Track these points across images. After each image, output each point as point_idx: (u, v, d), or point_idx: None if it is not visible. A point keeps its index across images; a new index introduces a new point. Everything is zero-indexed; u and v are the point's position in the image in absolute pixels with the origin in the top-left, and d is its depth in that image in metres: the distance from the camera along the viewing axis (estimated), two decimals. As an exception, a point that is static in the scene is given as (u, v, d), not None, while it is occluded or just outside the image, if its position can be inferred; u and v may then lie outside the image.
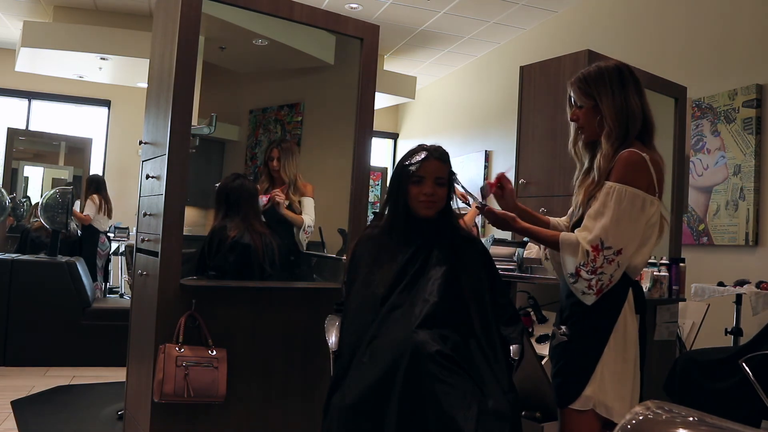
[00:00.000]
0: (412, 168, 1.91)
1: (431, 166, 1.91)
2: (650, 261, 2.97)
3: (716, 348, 3.04)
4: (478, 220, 6.65)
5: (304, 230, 2.96)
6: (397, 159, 2.00)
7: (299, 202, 2.98)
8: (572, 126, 1.90)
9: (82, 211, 6.01)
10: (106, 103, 8.01)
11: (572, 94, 1.87)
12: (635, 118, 1.79)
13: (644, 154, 1.75)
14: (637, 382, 1.80)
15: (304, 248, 2.98)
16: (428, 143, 1.99)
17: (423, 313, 1.75)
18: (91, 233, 5.99)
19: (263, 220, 2.80)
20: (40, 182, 7.66)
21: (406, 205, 1.94)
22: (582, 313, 1.79)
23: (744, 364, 2.39)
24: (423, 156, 1.92)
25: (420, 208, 1.93)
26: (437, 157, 1.93)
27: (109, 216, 6.18)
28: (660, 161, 1.80)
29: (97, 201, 6.03)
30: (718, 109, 4.20)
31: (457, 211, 2.06)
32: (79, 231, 5.89)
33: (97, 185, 6.15)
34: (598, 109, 1.81)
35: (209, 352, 2.24)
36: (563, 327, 1.83)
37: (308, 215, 2.98)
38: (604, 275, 1.72)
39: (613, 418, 1.71)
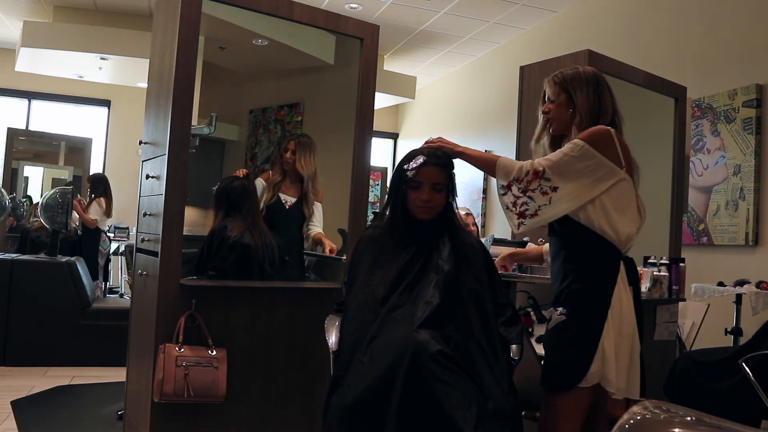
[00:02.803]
0: (410, 174, 1.90)
1: (429, 172, 1.90)
2: (650, 261, 2.97)
3: (716, 348, 3.04)
4: (478, 221, 6.66)
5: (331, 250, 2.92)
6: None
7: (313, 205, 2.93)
8: (540, 121, 2.01)
9: (85, 211, 5.99)
10: (106, 103, 8.02)
11: (547, 90, 1.99)
12: (606, 113, 1.92)
13: (611, 129, 1.87)
14: (636, 354, 1.86)
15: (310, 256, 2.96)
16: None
17: (424, 314, 1.75)
18: (92, 232, 5.97)
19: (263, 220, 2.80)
20: (40, 182, 7.66)
21: (405, 209, 1.94)
22: (579, 290, 1.84)
23: (744, 364, 2.39)
24: (420, 162, 1.91)
25: (417, 213, 1.93)
26: (434, 162, 1.91)
27: (110, 216, 6.18)
28: (627, 145, 1.90)
29: (104, 204, 6.00)
30: (718, 109, 4.21)
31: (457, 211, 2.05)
32: (79, 230, 5.88)
33: (105, 186, 6.13)
34: (571, 103, 1.93)
35: (209, 352, 2.24)
36: (560, 308, 1.87)
37: (318, 226, 2.93)
38: (531, 202, 1.83)
39: (613, 390, 1.78)
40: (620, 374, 1.81)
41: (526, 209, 1.83)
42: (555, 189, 1.81)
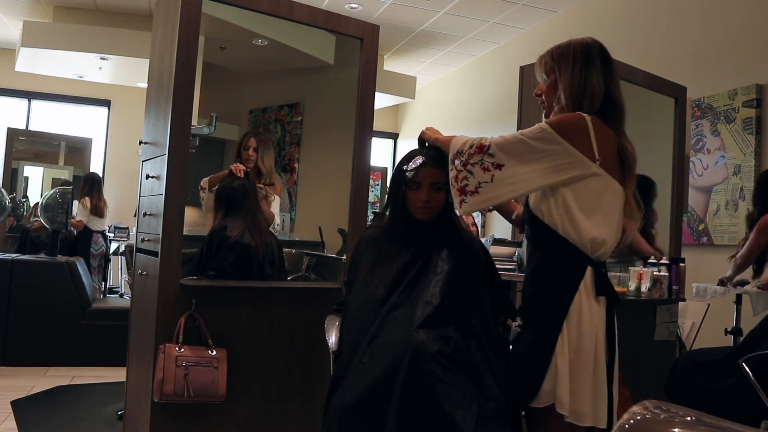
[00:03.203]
0: (409, 174, 1.91)
1: (428, 173, 1.90)
2: (650, 261, 2.97)
3: (716, 348, 3.04)
4: (478, 221, 6.66)
5: (273, 227, 2.93)
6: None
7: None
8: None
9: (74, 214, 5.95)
10: (106, 103, 8.02)
11: (537, 69, 1.83)
12: (593, 96, 1.70)
13: (588, 117, 1.67)
14: (602, 375, 1.66)
15: None
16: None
17: (424, 314, 1.75)
18: (83, 233, 5.94)
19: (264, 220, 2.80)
20: (40, 182, 7.66)
21: (405, 209, 1.94)
22: (533, 298, 1.71)
23: (743, 364, 2.39)
24: (419, 162, 1.91)
25: (417, 214, 1.93)
26: (433, 163, 1.91)
27: (100, 215, 6.05)
28: (612, 137, 1.70)
29: (88, 204, 5.96)
30: (718, 109, 4.21)
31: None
32: (75, 231, 5.87)
33: (91, 185, 6.09)
34: (558, 85, 1.76)
35: (209, 352, 2.24)
36: (518, 318, 1.76)
37: (276, 213, 2.96)
38: (471, 177, 1.67)
39: (566, 413, 1.60)
40: (580, 396, 1.61)
41: (466, 185, 1.68)
42: (499, 167, 1.65)
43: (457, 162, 1.71)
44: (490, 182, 1.66)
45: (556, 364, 1.62)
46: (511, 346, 1.81)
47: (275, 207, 2.97)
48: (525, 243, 2.98)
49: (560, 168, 1.64)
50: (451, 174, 1.74)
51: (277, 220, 2.96)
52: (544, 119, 1.86)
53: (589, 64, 1.72)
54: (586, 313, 1.64)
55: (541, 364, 1.62)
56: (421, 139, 1.99)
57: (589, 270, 1.67)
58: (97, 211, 6.01)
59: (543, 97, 1.83)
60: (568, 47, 1.76)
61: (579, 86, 1.71)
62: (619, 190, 1.71)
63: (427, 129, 1.97)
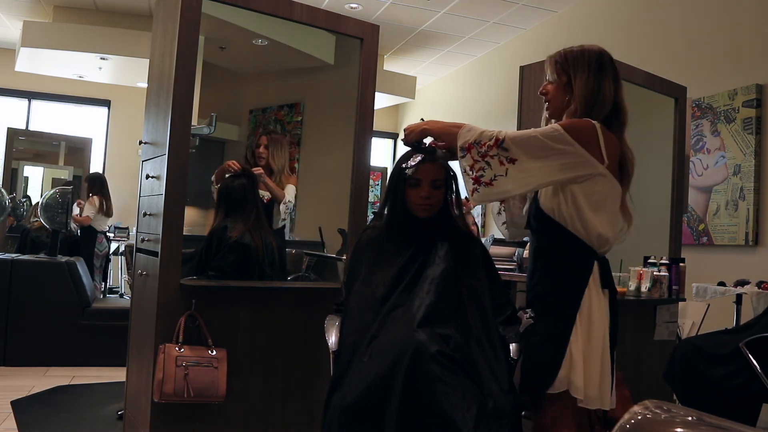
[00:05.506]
0: (408, 171, 1.91)
1: (427, 169, 1.91)
2: (650, 261, 2.97)
3: (716, 333, 3.02)
4: (478, 220, 6.66)
5: (285, 203, 2.91)
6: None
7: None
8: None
9: (80, 211, 6.00)
10: (106, 103, 8.02)
11: (548, 69, 1.88)
12: (604, 104, 1.79)
13: (597, 124, 1.75)
14: (607, 362, 1.76)
15: (279, 225, 2.93)
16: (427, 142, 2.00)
17: (421, 311, 1.76)
18: (89, 233, 5.97)
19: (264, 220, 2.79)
20: (40, 182, 7.67)
21: (405, 208, 1.94)
22: (546, 291, 1.79)
23: (744, 348, 2.38)
24: (419, 159, 1.92)
25: (417, 211, 1.93)
26: (432, 159, 1.92)
27: (108, 215, 6.15)
28: (617, 143, 1.78)
29: (97, 202, 6.00)
30: (718, 109, 4.21)
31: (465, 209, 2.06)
32: (78, 230, 5.88)
33: (100, 185, 6.14)
34: (569, 88, 1.82)
35: (209, 352, 2.24)
36: (529, 310, 1.82)
37: (289, 196, 2.94)
38: (487, 169, 1.73)
39: (581, 396, 1.70)
40: (590, 381, 1.72)
41: (482, 175, 1.73)
42: (513, 161, 1.71)
43: (474, 151, 1.75)
44: (504, 176, 1.72)
45: (571, 352, 1.71)
46: (521, 338, 1.84)
47: (290, 193, 2.93)
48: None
49: (569, 166, 1.72)
50: (466, 162, 1.77)
51: (288, 197, 2.92)
52: (545, 117, 1.92)
53: (602, 73, 1.80)
54: (596, 305, 1.75)
55: (558, 353, 1.72)
56: (419, 139, 1.97)
57: (596, 264, 1.77)
58: (107, 210, 6.06)
59: (549, 96, 1.88)
60: (583, 53, 1.83)
61: (592, 93, 1.79)
62: (620, 192, 1.81)
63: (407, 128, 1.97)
